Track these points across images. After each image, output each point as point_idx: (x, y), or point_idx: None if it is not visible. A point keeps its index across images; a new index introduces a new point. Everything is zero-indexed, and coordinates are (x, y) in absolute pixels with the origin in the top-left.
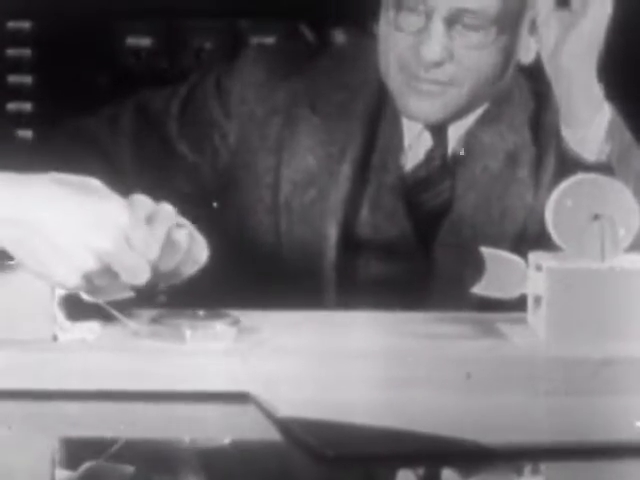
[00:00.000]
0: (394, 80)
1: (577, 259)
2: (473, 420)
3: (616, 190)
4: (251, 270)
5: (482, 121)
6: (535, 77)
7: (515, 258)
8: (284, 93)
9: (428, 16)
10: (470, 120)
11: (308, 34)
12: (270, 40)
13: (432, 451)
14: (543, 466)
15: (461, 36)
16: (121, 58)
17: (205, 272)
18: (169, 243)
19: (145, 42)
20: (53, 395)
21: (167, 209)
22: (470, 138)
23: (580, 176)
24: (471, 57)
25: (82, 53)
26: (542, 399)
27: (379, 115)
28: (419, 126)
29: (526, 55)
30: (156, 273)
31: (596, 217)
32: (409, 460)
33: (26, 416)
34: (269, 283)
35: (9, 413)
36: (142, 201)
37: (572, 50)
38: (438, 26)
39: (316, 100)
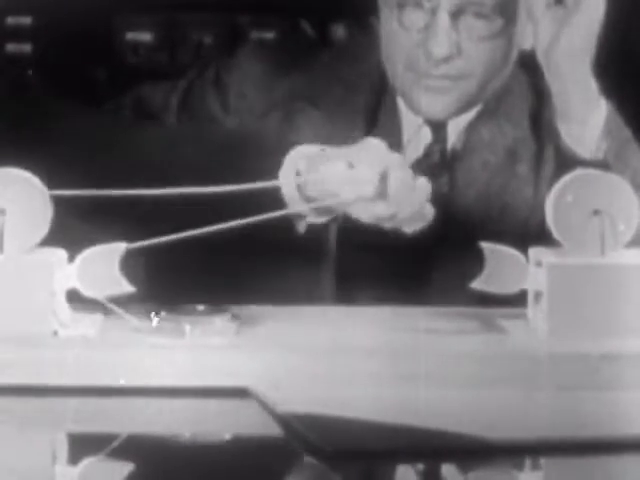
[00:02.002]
0: (403, 79)
1: (577, 254)
2: (473, 415)
3: (616, 185)
4: (250, 264)
5: (481, 116)
6: (534, 71)
7: (515, 253)
8: (283, 88)
9: (433, 11)
10: (470, 115)
11: (308, 29)
12: (270, 35)
13: (432, 447)
14: (544, 461)
15: (467, 28)
16: (120, 53)
17: (204, 267)
18: (407, 189)
19: (145, 37)
20: (53, 390)
21: (399, 158)
22: (470, 133)
23: (580, 171)
24: (479, 49)
25: (81, 48)
26: (542, 394)
27: (378, 110)
28: (419, 121)
29: (525, 41)
30: (393, 217)
31: (596, 212)
32: (410, 456)
33: (25, 412)
34: (268, 277)
35: (9, 408)
36: (376, 145)
37: (566, 46)
38: (444, 20)
39: (315, 95)
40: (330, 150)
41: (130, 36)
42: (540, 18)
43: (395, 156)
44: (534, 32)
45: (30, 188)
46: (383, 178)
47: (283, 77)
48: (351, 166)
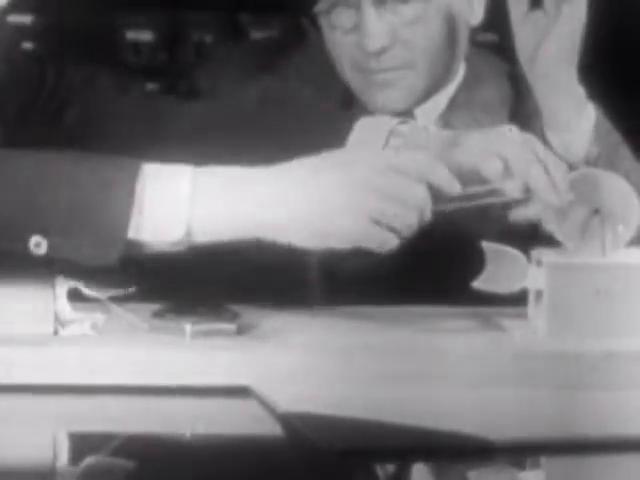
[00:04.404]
0: (353, 80)
1: (577, 254)
2: (473, 415)
3: (616, 185)
4: (237, 267)
5: (453, 106)
6: (511, 59)
7: (516, 252)
8: (255, 90)
9: (357, 7)
10: (440, 106)
11: (309, 28)
12: (271, 34)
13: (432, 446)
14: (543, 461)
15: (395, 14)
16: (121, 52)
17: (204, 266)
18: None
19: (145, 36)
20: (54, 390)
21: (544, 148)
22: (443, 124)
23: (580, 171)
24: (413, 33)
25: (83, 47)
26: (542, 393)
27: (351, 108)
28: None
29: (473, 17)
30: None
31: (596, 212)
32: (410, 455)
33: (26, 411)
34: (254, 280)
35: (10, 408)
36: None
37: (550, 54)
38: (370, 13)
39: (287, 96)
40: (445, 132)
41: (131, 35)
42: (520, 24)
43: (540, 147)
44: (515, 39)
45: None
46: (547, 173)
47: (254, 80)
48: (507, 163)
